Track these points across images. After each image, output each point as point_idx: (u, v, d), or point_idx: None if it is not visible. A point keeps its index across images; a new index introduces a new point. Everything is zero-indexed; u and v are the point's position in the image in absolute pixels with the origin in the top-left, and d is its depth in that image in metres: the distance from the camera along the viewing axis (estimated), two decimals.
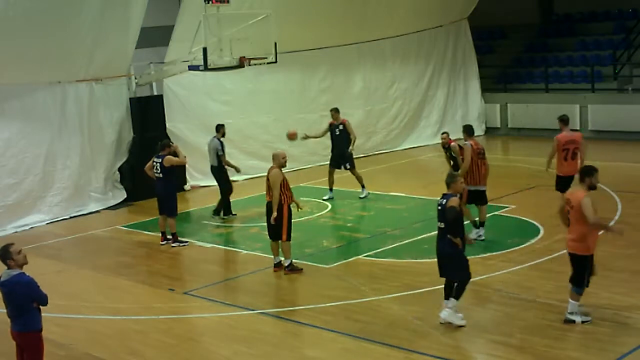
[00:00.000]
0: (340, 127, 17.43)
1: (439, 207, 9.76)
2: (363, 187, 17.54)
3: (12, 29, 15.73)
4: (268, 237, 12.50)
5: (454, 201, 9.53)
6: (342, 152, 17.39)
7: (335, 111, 17.60)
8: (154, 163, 14.51)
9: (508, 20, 28.27)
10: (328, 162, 17.87)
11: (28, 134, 17.12)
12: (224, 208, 16.46)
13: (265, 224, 12.49)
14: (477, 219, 13.25)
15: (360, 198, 17.41)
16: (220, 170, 16.28)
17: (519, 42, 28.48)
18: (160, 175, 14.43)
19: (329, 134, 17.72)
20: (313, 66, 22.53)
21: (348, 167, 17.48)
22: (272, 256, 12.53)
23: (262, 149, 20.24)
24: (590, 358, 8.54)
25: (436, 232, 13.98)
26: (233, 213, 16.43)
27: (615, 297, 10.21)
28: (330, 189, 17.57)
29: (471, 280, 11.28)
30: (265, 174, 12.36)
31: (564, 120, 14.40)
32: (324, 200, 17.43)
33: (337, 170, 17.58)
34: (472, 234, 13.12)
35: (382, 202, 17.22)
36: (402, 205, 16.68)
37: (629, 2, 26.53)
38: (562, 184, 13.94)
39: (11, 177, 16.80)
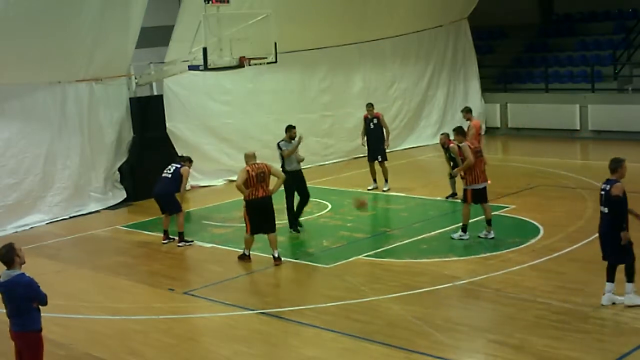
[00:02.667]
0: (375, 120, 17.99)
1: (602, 192, 9.90)
2: (386, 181, 17.98)
3: (12, 29, 15.71)
4: (250, 233, 12.88)
5: (618, 187, 9.71)
6: (377, 145, 17.90)
7: (370, 106, 18.10)
8: (170, 166, 14.62)
9: (508, 20, 28.25)
10: (366, 156, 18.42)
11: (28, 134, 17.10)
12: (288, 219, 14.80)
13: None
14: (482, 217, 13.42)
15: (384, 191, 17.78)
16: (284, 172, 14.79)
17: (519, 42, 28.45)
18: (170, 176, 14.47)
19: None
20: (313, 66, 22.51)
21: (380, 159, 17.95)
22: (262, 253, 12.83)
23: (263, 148, 20.05)
24: (590, 358, 8.53)
25: (436, 232, 14.23)
26: (300, 226, 14.89)
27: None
28: (374, 180, 18.07)
29: (471, 280, 11.37)
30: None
31: (470, 110, 17.40)
32: (368, 190, 17.87)
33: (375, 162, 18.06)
34: (486, 234, 13.34)
35: (382, 202, 17.24)
36: (402, 205, 16.67)
37: (629, 2, 26.51)
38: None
39: (11, 177, 16.78)
